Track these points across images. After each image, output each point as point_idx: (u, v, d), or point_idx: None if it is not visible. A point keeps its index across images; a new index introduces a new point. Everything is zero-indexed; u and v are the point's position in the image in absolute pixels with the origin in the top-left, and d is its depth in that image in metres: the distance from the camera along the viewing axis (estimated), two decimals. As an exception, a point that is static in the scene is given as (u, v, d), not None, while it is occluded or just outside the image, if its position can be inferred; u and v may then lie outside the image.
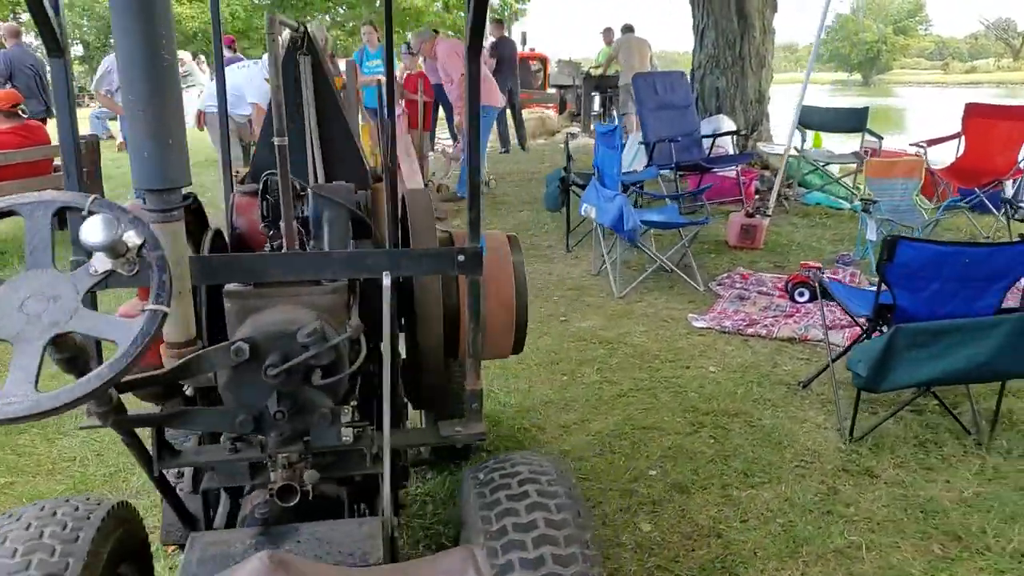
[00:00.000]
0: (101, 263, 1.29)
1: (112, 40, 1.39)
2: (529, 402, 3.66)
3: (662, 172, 7.49)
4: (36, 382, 1.17)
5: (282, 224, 1.91)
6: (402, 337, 2.38)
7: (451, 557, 1.12)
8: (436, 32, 9.31)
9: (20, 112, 6.56)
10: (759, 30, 8.92)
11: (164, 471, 1.77)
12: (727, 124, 8.43)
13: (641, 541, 2.66)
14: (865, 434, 3.29)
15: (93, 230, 1.24)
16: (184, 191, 1.46)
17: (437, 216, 7.43)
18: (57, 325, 1.24)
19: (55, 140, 8.34)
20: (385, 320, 1.46)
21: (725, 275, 5.46)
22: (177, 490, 1.94)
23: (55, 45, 1.53)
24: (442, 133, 12.50)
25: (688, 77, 8.16)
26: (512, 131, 12.41)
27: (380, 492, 1.86)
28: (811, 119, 7.87)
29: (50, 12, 1.54)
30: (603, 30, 14.05)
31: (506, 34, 12.48)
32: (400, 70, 9.27)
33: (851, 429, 3.28)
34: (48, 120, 9.58)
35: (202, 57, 17.25)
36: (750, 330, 4.45)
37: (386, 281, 1.45)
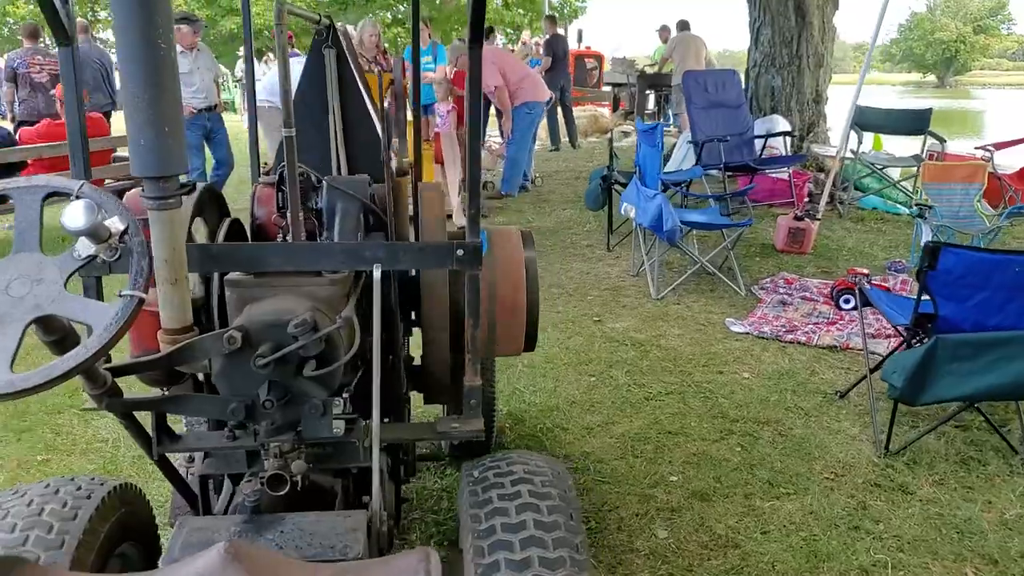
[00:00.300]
0: (84, 248, 1.30)
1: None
2: (554, 402, 3.61)
3: (710, 172, 7.35)
4: (12, 363, 1.18)
5: (288, 214, 1.92)
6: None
7: (407, 559, 1.09)
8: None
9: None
10: (817, 28, 8.66)
11: (169, 454, 1.78)
12: (782, 124, 8.21)
13: (656, 548, 2.59)
14: (902, 448, 3.16)
15: (74, 215, 1.25)
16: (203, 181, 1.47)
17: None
18: (39, 308, 1.25)
19: (117, 132, 8.61)
20: (375, 313, 1.44)
21: (768, 279, 5.32)
22: (189, 473, 1.96)
23: (63, 35, 1.55)
24: (493, 130, 12.49)
25: (741, 76, 7.96)
26: (563, 129, 12.34)
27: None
28: (869, 120, 7.60)
29: (57, 3, 1.56)
30: (659, 27, 13.87)
31: (559, 31, 12.41)
32: (448, 68, 9.28)
33: (887, 442, 3.15)
34: (113, 113, 9.91)
35: (270, 55, 17.66)
36: (789, 336, 4.32)
37: (376, 274, 1.43)
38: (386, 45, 9.59)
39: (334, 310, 1.68)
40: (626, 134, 13.13)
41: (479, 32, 1.66)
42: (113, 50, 9.35)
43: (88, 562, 1.55)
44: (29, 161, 6.40)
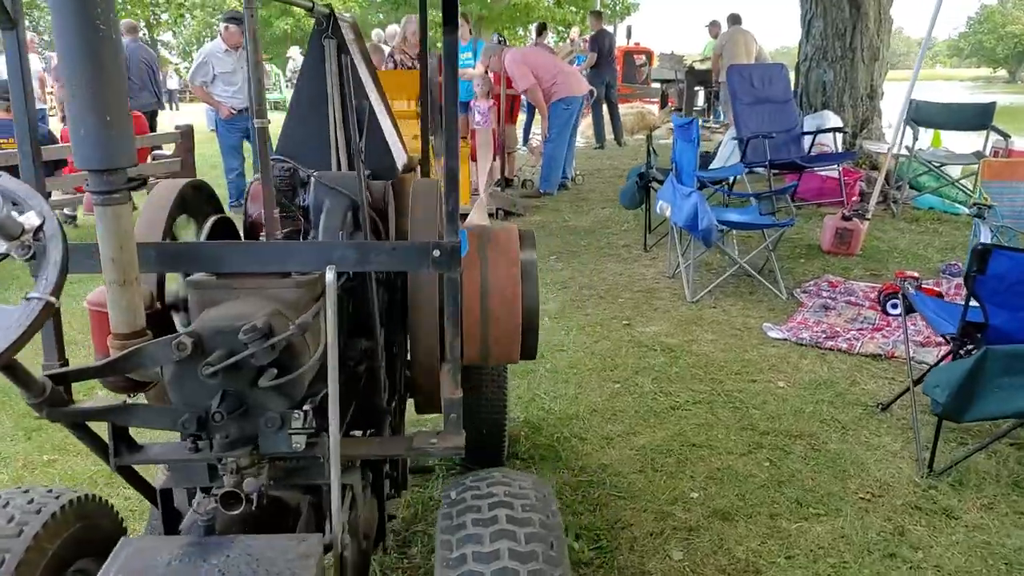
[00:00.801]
0: None
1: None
2: (574, 409, 3.45)
3: (756, 170, 7.08)
4: None
5: (262, 211, 1.81)
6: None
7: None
8: (503, 43, 9.18)
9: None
10: (873, 19, 8.28)
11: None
12: (833, 120, 7.87)
13: (669, 571, 2.42)
14: (948, 468, 2.91)
15: None
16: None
17: (514, 211, 7.29)
18: None
19: (163, 130, 8.71)
20: (329, 319, 1.31)
21: (812, 282, 5.05)
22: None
23: (6, 18, 1.45)
24: (538, 128, 12.34)
25: (789, 70, 7.65)
26: (609, 126, 12.12)
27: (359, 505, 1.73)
28: (926, 116, 7.21)
29: None
30: (709, 23, 13.52)
31: (604, 27, 12.20)
32: (479, 68, 9.14)
33: (931, 460, 2.91)
34: (159, 111, 10.05)
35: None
36: (829, 343, 4.07)
37: (329, 276, 1.30)
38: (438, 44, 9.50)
39: (301, 314, 1.56)
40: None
41: (452, 16, 1.52)
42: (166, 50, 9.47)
43: None
44: (69, 159, 6.49)
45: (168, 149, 7.75)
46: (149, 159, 7.26)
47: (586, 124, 13.52)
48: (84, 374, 1.49)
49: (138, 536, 1.47)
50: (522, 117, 10.37)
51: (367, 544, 1.77)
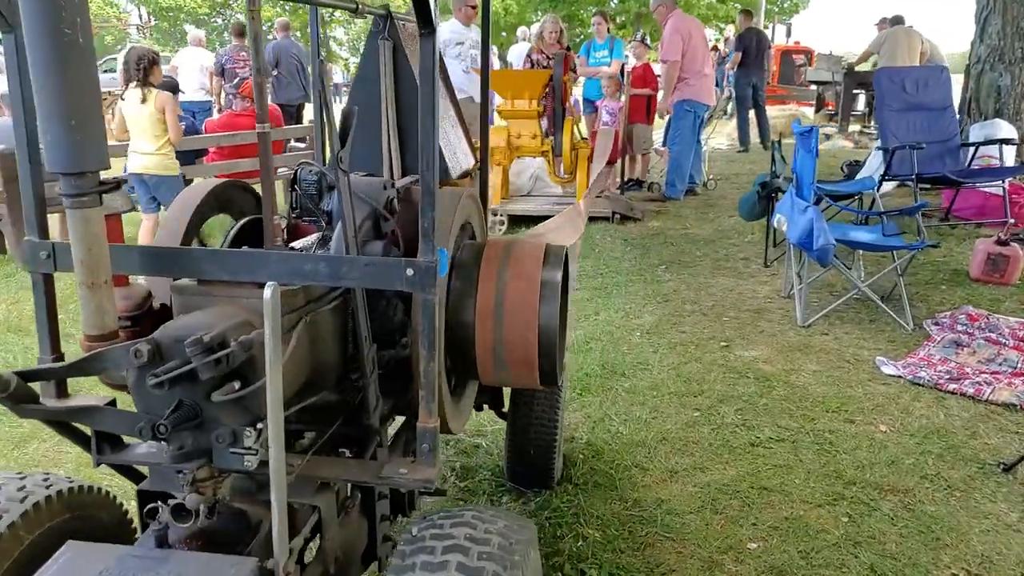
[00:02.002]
0: None
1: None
2: (643, 436, 3.22)
3: (907, 184, 6.44)
4: None
5: (263, 218, 1.76)
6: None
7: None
8: (644, 42, 8.84)
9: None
10: (1061, 18, 7.32)
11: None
12: (1005, 130, 7.01)
13: (704, 632, 2.18)
14: (1071, 549, 2.46)
15: None
16: None
17: (631, 215, 7.03)
18: None
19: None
20: (267, 338, 1.22)
21: (947, 313, 4.49)
22: None
23: (4, 21, 1.47)
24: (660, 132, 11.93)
25: (947, 74, 6.89)
26: (755, 129, 11.52)
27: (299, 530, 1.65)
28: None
29: None
30: (878, 21, 12.53)
31: (757, 26, 11.58)
32: (617, 65, 8.90)
33: (1049, 538, 2.47)
34: (305, 105, 10.54)
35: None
36: (952, 386, 3.58)
37: (267, 293, 1.21)
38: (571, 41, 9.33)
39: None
40: (827, 137, 12.01)
41: (427, 15, 1.39)
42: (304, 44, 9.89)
43: (2, 568, 1.48)
44: (210, 149, 6.89)
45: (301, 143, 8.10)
46: (285, 151, 7.61)
47: (732, 127, 12.95)
48: (48, 374, 1.50)
49: (81, 542, 1.44)
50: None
51: (338, 568, 1.68)
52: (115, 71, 19.70)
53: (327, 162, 2.62)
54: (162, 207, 5.79)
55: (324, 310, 1.67)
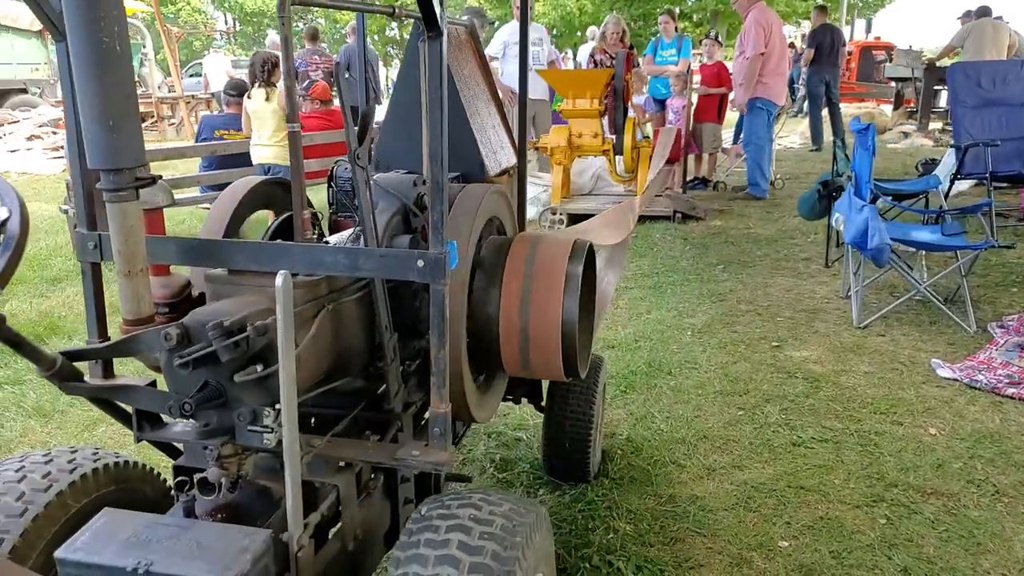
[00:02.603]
0: None
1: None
2: (683, 433, 3.24)
3: (981, 182, 6.21)
4: None
5: (294, 213, 1.87)
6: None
7: None
8: (717, 39, 8.73)
9: (329, 100, 7.47)
10: None
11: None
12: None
13: (727, 625, 2.20)
14: (1122, 559, 2.38)
15: None
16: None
17: (693, 214, 6.99)
18: None
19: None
20: (280, 324, 1.33)
21: (1015, 316, 4.33)
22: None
23: (56, 31, 1.62)
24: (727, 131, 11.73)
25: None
26: (829, 128, 11.22)
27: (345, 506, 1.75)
28: None
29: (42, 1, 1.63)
30: (962, 14, 12.03)
31: (830, 21, 11.29)
32: (684, 64, 8.82)
33: (1097, 548, 2.39)
34: (374, 107, 10.79)
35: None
36: (1011, 391, 3.47)
37: (279, 281, 1.32)
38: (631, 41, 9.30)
39: (299, 315, 1.61)
40: (906, 135, 11.62)
41: (432, 19, 1.48)
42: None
43: (49, 534, 1.63)
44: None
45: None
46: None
47: (805, 125, 12.66)
48: (90, 354, 1.65)
49: (117, 510, 1.58)
50: (731, 115, 9.90)
51: (357, 546, 1.78)
52: (200, 75, 20.69)
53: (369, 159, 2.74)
54: None
55: (349, 300, 1.77)
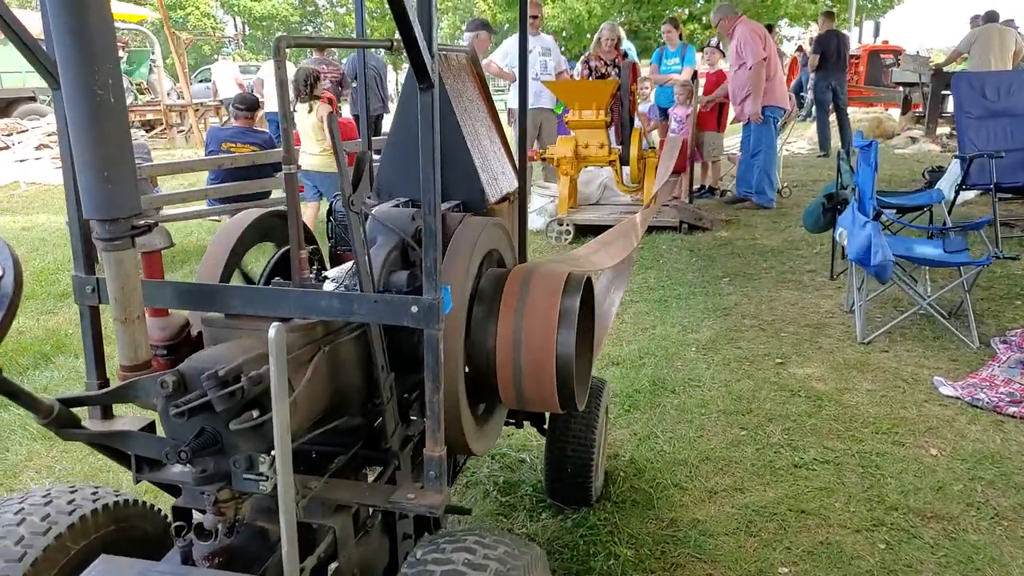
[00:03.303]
0: None
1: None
2: (686, 455, 3.27)
3: (987, 192, 6.21)
4: None
5: (291, 252, 1.90)
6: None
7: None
8: (718, 46, 8.74)
9: (336, 114, 7.53)
10: None
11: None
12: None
13: (726, 653, 2.23)
14: (1120, 585, 2.40)
15: None
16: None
17: (700, 224, 7.01)
18: None
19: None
20: (273, 375, 1.35)
21: (1018, 331, 4.34)
22: None
23: (52, 79, 1.65)
24: (731, 140, 11.72)
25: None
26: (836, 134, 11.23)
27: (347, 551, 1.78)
28: None
29: (36, 50, 1.66)
30: (971, 17, 12.01)
31: (836, 26, 11.28)
32: (689, 72, 8.84)
33: (1096, 574, 2.41)
34: (384, 116, 10.87)
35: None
36: (1013, 409, 3.48)
37: (271, 333, 1.33)
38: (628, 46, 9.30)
39: (295, 359, 1.64)
40: (913, 140, 11.60)
41: (423, 71, 1.51)
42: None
43: None
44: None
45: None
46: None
47: (812, 130, 12.65)
48: (87, 401, 1.68)
49: (113, 557, 1.61)
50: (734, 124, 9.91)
51: None
52: (209, 80, 20.82)
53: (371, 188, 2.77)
54: (323, 197, 6.98)
55: (345, 339, 1.80)
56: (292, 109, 6.50)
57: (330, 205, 2.47)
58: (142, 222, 1.55)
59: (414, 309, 1.59)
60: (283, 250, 2.26)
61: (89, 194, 1.38)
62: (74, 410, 1.67)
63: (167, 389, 1.49)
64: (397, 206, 2.43)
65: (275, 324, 1.35)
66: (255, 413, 1.51)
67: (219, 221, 7.63)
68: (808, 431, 3.43)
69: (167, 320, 1.84)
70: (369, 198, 2.62)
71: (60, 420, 1.60)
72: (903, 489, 2.97)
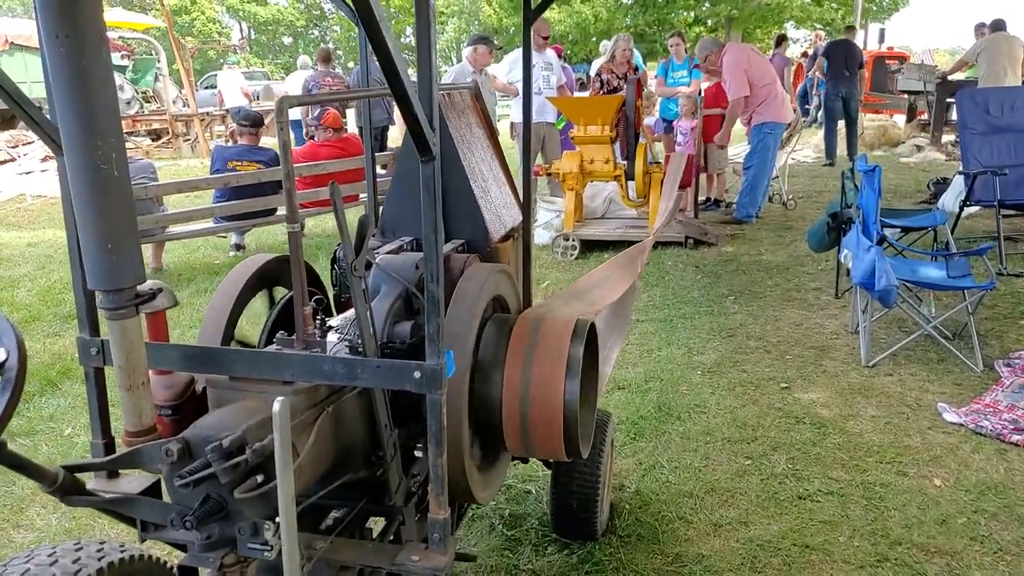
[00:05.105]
0: None
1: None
2: (691, 486, 3.29)
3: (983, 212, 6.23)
4: None
5: (295, 308, 1.91)
6: None
7: None
8: (721, 43, 8.76)
9: (341, 128, 7.57)
10: None
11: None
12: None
13: None
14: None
15: None
16: None
17: (705, 239, 7.02)
18: None
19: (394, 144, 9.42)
20: (277, 448, 1.38)
21: (1022, 352, 4.35)
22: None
23: (55, 146, 1.67)
24: (736, 148, 11.72)
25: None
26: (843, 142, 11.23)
27: None
28: None
29: (37, 117, 1.68)
30: (976, 25, 11.98)
31: (850, 38, 11.29)
32: (696, 85, 8.86)
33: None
34: (389, 128, 10.90)
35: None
36: (1016, 437, 3.49)
37: (276, 407, 1.35)
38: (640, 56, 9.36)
39: (299, 424, 1.67)
40: (919, 148, 11.58)
41: (424, 145, 1.54)
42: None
43: None
44: (297, 178, 7.26)
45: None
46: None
47: (819, 138, 12.64)
48: (91, 468, 1.71)
49: None
50: (739, 134, 9.91)
51: None
52: (215, 87, 20.87)
53: (377, 219, 2.78)
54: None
55: (349, 397, 1.83)
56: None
57: (334, 253, 2.49)
58: (147, 289, 1.58)
59: (417, 375, 1.62)
60: (287, 296, 2.28)
61: (93, 265, 1.40)
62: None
63: (172, 457, 1.52)
64: (402, 247, 2.46)
65: (279, 399, 1.37)
66: (259, 478, 1.54)
67: (225, 238, 7.68)
68: (812, 460, 3.45)
69: (171, 379, 1.85)
70: (374, 235, 2.65)
71: (65, 487, 1.62)
72: (907, 522, 2.99)
